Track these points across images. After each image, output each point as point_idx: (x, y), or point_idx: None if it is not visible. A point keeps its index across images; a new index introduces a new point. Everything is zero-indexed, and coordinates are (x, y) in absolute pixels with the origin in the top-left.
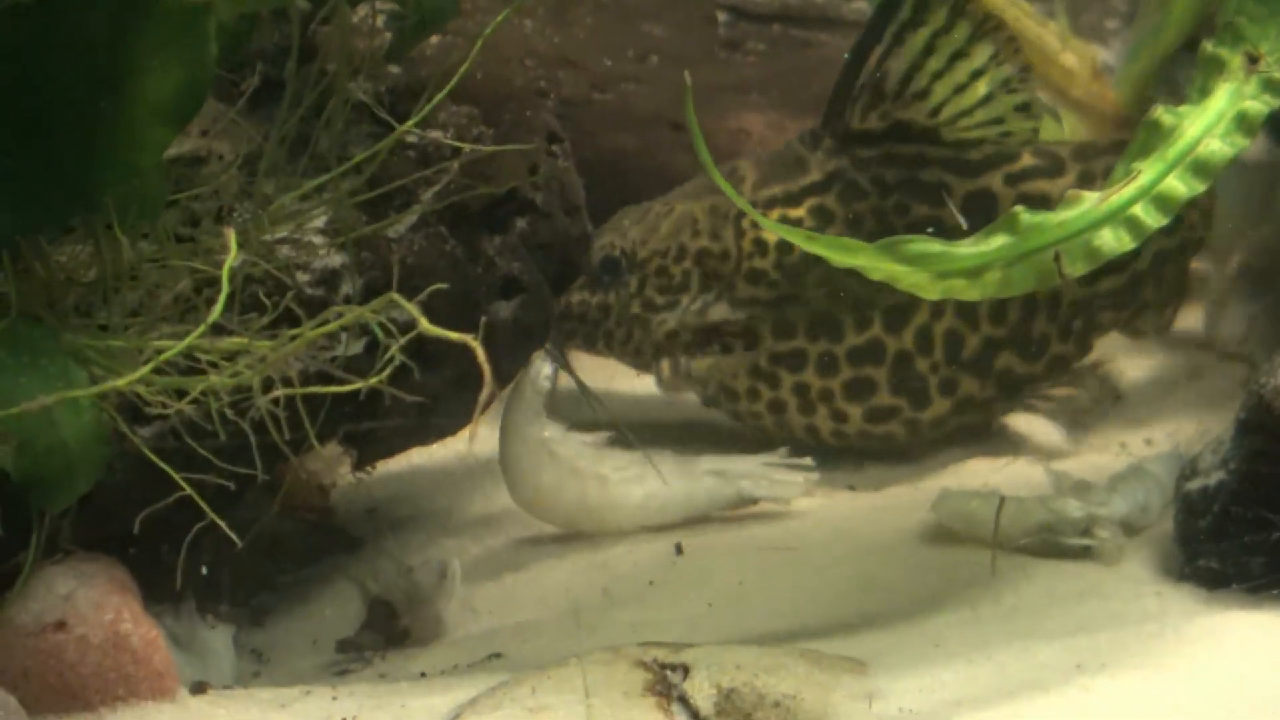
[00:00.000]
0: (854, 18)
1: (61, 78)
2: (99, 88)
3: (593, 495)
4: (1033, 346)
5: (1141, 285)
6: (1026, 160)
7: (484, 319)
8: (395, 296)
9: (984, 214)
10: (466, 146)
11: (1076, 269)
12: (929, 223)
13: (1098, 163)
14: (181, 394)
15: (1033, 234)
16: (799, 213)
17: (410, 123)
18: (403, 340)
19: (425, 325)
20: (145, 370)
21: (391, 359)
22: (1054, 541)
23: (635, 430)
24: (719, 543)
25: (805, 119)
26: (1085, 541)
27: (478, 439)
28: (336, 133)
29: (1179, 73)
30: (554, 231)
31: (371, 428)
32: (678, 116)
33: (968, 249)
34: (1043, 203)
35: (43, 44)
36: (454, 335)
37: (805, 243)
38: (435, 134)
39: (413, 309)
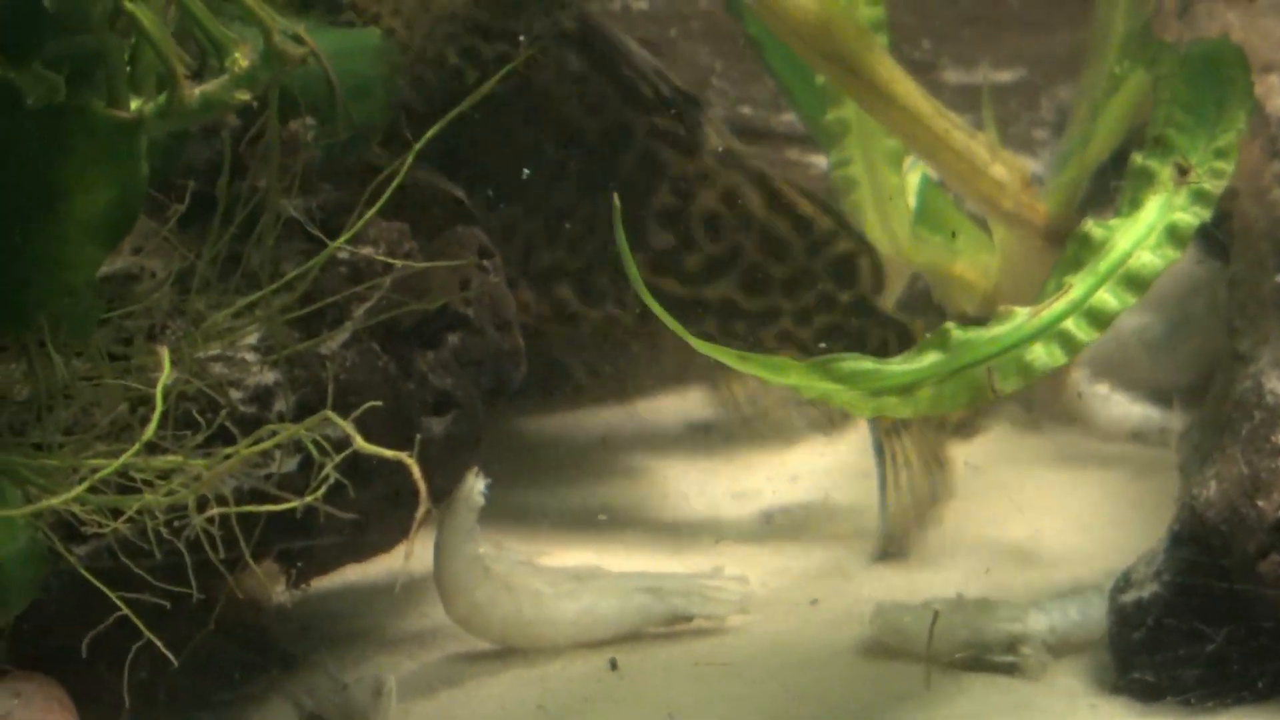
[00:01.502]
0: (784, 130)
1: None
2: (30, 205)
3: (527, 611)
4: None
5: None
6: None
7: (418, 435)
8: (329, 414)
9: None
10: (398, 263)
11: (1009, 385)
12: None
13: None
14: (117, 513)
15: (964, 350)
16: None
17: (341, 239)
18: (337, 458)
19: (360, 443)
20: (80, 489)
21: (326, 477)
22: (983, 658)
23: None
24: (654, 658)
25: None
26: (1010, 658)
27: (413, 555)
28: (268, 249)
29: (1109, 184)
30: (486, 347)
31: (306, 545)
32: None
33: (899, 366)
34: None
35: None
36: (388, 453)
37: (737, 363)
38: (367, 250)
39: (347, 426)
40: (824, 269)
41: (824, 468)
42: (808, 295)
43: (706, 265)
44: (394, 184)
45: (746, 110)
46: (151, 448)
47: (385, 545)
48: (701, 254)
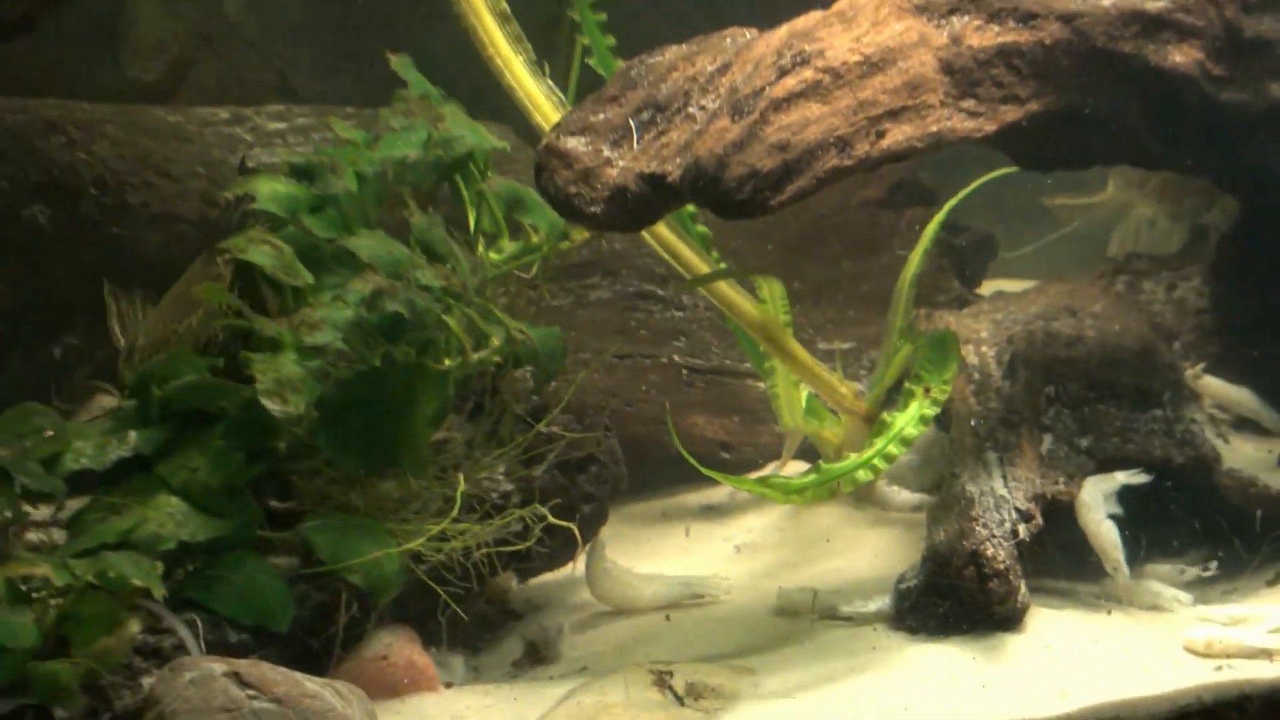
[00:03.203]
0: (744, 370)
1: (385, 402)
2: (398, 408)
3: (629, 593)
4: None
5: None
6: None
7: (577, 514)
8: (537, 506)
9: None
10: (568, 435)
11: (848, 488)
12: None
13: None
14: (439, 549)
15: (828, 473)
16: None
17: (542, 424)
18: (540, 524)
19: (550, 519)
20: (419, 542)
21: (535, 534)
22: (835, 617)
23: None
24: (687, 615)
25: None
26: (849, 617)
27: (578, 567)
28: (508, 428)
29: (895, 396)
30: (609, 472)
31: (527, 563)
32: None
33: (797, 481)
34: None
35: (379, 388)
36: (564, 523)
37: (723, 480)
38: (555, 428)
39: (545, 511)
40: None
41: (771, 524)
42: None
43: None
44: (565, 398)
45: (728, 361)
46: (452, 519)
47: (564, 562)
48: None
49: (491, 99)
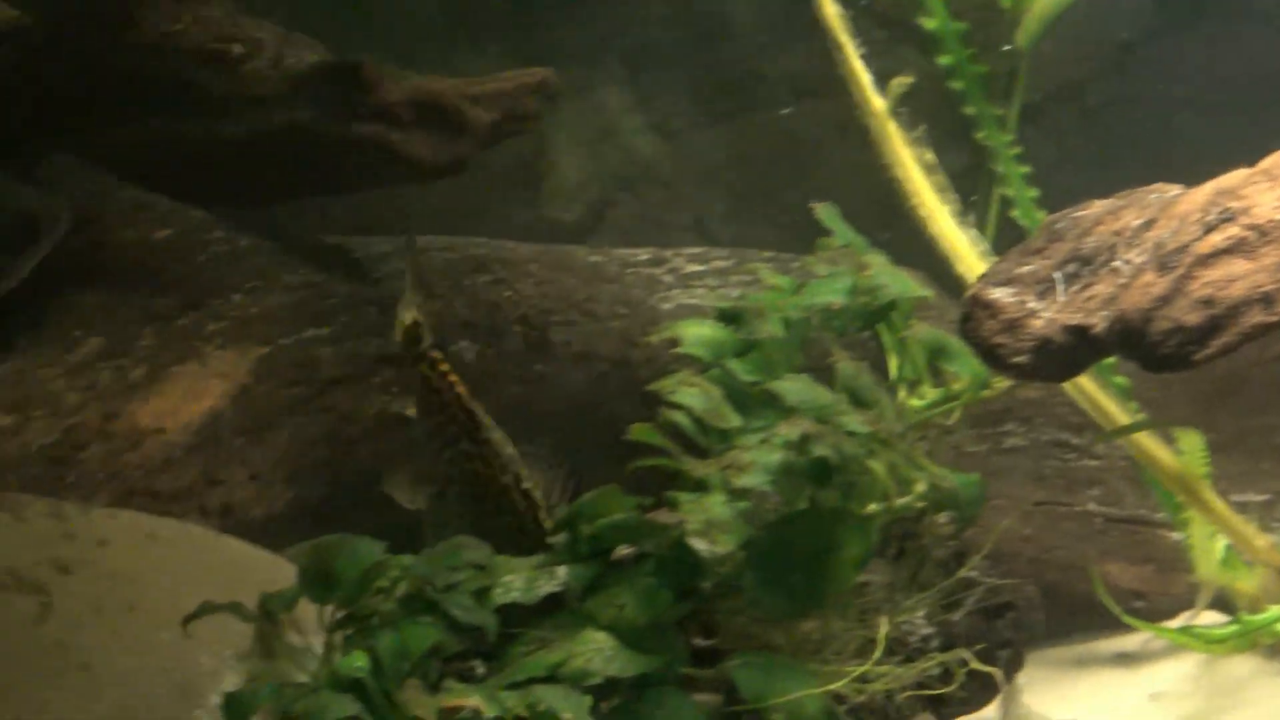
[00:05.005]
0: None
1: (811, 545)
2: (824, 552)
3: None
4: None
5: None
6: None
7: (995, 659)
8: (962, 650)
9: None
10: (986, 580)
11: None
12: None
13: None
14: (860, 690)
15: None
16: None
17: (964, 569)
18: (961, 672)
19: (975, 663)
20: (843, 683)
21: (957, 677)
22: None
23: None
24: None
25: None
26: None
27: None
28: (928, 572)
29: None
30: (1029, 618)
31: (944, 707)
32: None
33: None
34: None
35: (805, 531)
36: (986, 667)
37: None
38: (974, 574)
39: (968, 655)
40: None
41: (1186, 673)
42: None
43: None
44: (993, 536)
45: (1142, 510)
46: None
47: (979, 707)
48: None
49: (898, 246)
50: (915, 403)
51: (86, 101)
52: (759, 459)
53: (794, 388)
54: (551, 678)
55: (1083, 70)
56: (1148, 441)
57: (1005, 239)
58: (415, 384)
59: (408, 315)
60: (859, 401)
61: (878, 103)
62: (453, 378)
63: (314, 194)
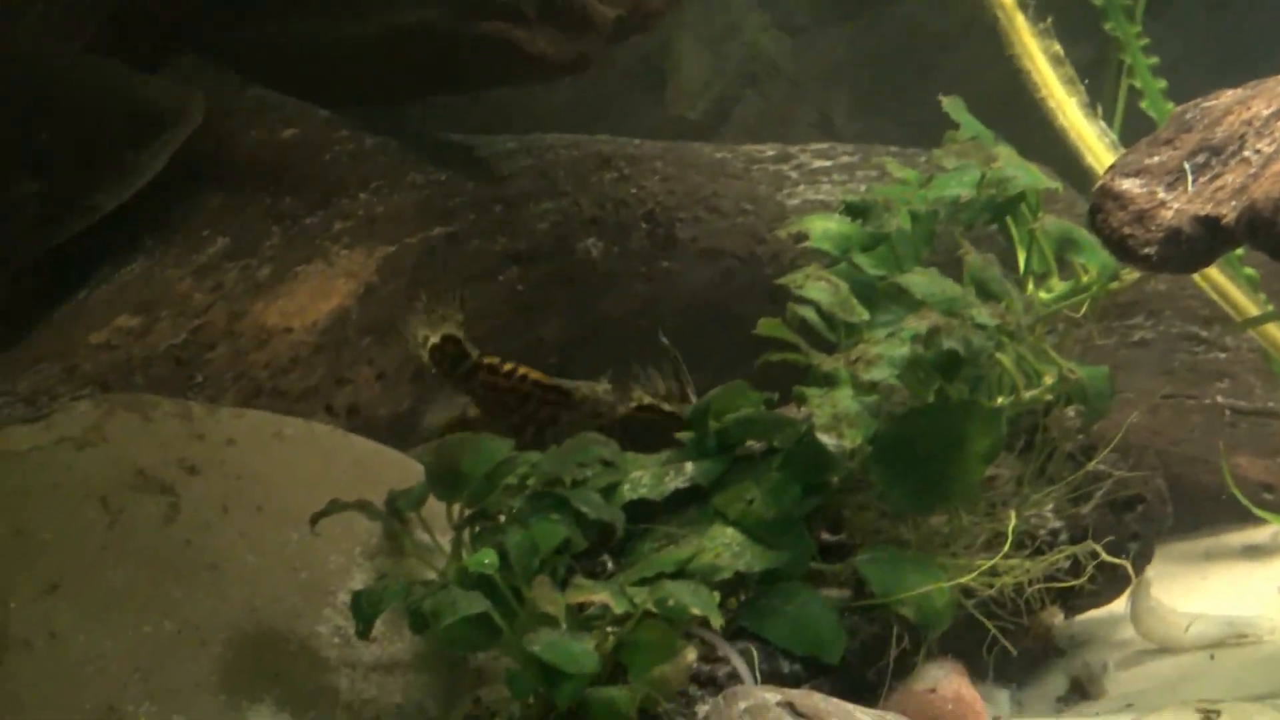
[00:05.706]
0: None
1: (939, 439)
2: (955, 444)
3: (1173, 631)
4: None
5: None
6: None
7: (1125, 552)
8: (1090, 543)
9: None
10: (1115, 473)
11: None
12: None
13: None
14: (989, 584)
15: None
16: None
17: (1092, 462)
18: (1091, 564)
19: (1105, 555)
20: (972, 576)
21: (1087, 570)
22: None
23: None
24: (1233, 654)
25: None
26: None
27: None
28: (1057, 466)
29: None
30: (1158, 511)
31: (1074, 600)
32: None
33: None
34: None
35: (933, 424)
36: (1118, 560)
37: None
38: (1102, 467)
39: (1097, 547)
40: None
41: None
42: None
43: None
44: (1117, 436)
45: (1271, 403)
46: (1003, 555)
47: (1109, 599)
48: None
49: (1025, 140)
50: (1044, 295)
51: (215, 1)
52: (887, 352)
53: (921, 281)
54: (680, 573)
55: None
56: (1277, 333)
57: (1133, 131)
58: (479, 394)
59: (435, 332)
60: (987, 294)
61: None
62: (523, 370)
63: (440, 93)
